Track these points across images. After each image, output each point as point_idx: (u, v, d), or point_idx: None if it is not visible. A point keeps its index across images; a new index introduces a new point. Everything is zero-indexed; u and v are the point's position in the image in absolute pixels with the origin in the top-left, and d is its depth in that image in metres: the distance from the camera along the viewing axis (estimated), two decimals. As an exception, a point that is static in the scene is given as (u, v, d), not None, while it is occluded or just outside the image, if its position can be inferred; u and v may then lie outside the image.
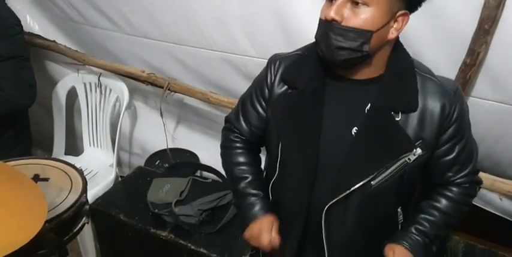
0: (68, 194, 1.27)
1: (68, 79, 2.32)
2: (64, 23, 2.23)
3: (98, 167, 2.29)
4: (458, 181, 1.08)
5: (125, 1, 1.87)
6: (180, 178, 2.01)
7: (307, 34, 1.54)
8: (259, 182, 1.18)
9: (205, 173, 2.25)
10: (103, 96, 2.25)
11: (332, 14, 0.89)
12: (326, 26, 0.92)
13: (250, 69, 1.82)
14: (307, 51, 1.07)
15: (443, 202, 1.09)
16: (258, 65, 1.78)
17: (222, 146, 1.26)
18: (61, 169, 1.37)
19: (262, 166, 1.29)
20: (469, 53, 1.32)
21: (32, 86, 1.86)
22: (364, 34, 0.90)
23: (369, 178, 0.98)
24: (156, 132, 2.40)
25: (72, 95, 2.39)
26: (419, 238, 1.06)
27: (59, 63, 2.40)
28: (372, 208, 1.04)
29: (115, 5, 1.89)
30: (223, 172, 2.10)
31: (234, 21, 1.69)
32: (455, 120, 1.00)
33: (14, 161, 1.40)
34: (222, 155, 1.26)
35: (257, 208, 1.13)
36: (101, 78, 2.23)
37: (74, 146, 2.58)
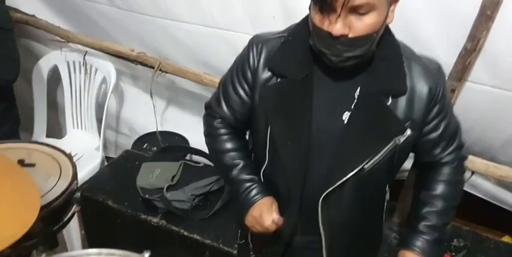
0: (57, 180, 1.19)
1: (49, 57, 2.18)
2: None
3: (83, 151, 2.19)
4: (447, 158, 1.10)
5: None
6: (171, 162, 1.94)
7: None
8: (251, 166, 1.15)
9: (196, 157, 2.18)
10: (88, 76, 2.13)
11: (339, 29, 0.84)
12: (333, 40, 0.86)
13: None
14: (291, 35, 1.02)
15: (440, 188, 1.10)
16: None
17: (207, 134, 1.20)
18: (48, 154, 1.28)
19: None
20: (470, 39, 1.31)
21: (15, 60, 1.76)
22: (372, 36, 0.88)
23: (362, 164, 0.98)
24: (144, 113, 2.32)
25: (54, 74, 2.25)
26: (429, 237, 1.08)
27: (40, 40, 2.25)
28: (366, 189, 1.05)
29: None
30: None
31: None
32: (440, 98, 1.02)
33: (-5, 145, 1.30)
34: (208, 143, 1.20)
35: (254, 192, 1.11)
36: (86, 57, 2.10)
37: (56, 128, 2.46)
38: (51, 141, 2.21)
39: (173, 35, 1.86)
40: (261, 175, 1.13)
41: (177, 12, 1.77)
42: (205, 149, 2.05)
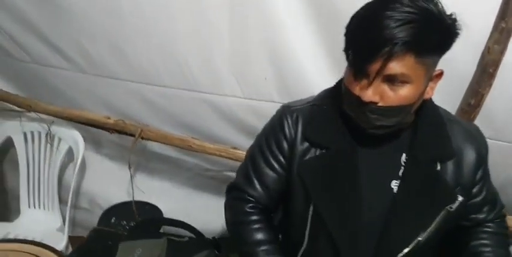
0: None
1: (1, 128, 1.91)
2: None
3: (43, 233, 1.87)
4: (490, 219, 1.06)
5: (85, 35, 1.60)
6: (152, 239, 1.72)
7: (302, 79, 1.47)
8: None
9: (174, 228, 1.97)
10: (50, 147, 1.88)
11: (370, 96, 0.81)
12: (362, 106, 0.83)
13: (235, 111, 1.65)
14: (325, 103, 0.98)
15: (489, 238, 1.03)
16: (243, 107, 1.62)
17: (234, 222, 1.07)
18: (34, 254, 1.03)
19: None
20: (473, 95, 1.34)
21: None
22: (405, 108, 0.84)
23: (418, 237, 0.93)
24: (108, 183, 2.09)
25: (5, 147, 1.97)
26: None
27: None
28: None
29: (72, 39, 1.61)
30: (197, 226, 1.88)
31: (222, 60, 1.53)
32: (485, 161, 0.99)
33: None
34: (235, 231, 1.06)
35: None
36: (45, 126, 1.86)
37: (5, 210, 2.11)
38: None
39: (150, 99, 1.72)
40: None
41: (154, 75, 1.66)
42: (181, 218, 1.92)
